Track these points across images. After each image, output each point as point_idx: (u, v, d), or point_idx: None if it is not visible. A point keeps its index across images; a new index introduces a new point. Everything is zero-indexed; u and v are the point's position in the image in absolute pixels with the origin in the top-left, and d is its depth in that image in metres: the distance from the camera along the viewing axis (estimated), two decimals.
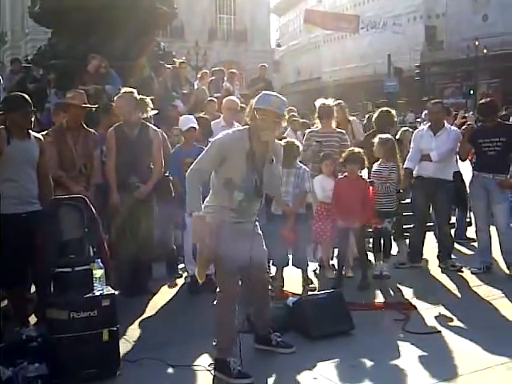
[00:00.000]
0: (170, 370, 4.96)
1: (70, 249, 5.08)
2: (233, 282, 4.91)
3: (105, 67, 11.80)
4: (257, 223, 5.08)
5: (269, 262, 7.31)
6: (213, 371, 4.90)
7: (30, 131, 5.57)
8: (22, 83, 12.71)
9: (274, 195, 5.30)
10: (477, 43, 41.77)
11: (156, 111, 8.54)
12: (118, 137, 6.71)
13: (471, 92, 40.56)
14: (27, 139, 5.51)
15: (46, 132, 6.44)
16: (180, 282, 7.52)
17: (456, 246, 8.81)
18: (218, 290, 5.01)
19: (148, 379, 4.82)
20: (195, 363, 5.08)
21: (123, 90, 6.88)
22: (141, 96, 7.00)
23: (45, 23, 15.31)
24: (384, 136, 7.64)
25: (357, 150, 7.52)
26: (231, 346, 4.92)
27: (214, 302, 5.01)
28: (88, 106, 6.83)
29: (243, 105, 10.62)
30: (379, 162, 7.61)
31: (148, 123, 6.93)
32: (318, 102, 8.01)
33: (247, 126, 4.90)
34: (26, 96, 5.58)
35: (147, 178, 6.82)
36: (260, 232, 5.17)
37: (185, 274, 7.51)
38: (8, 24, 54.93)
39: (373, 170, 7.64)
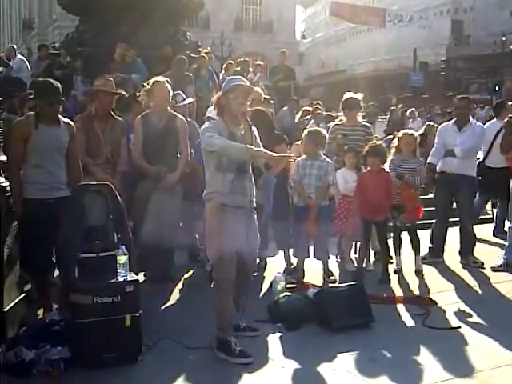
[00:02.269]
0: (191, 357, 5.01)
1: (95, 235, 5.13)
2: (231, 266, 4.97)
3: (131, 56, 11.88)
4: (254, 210, 5.20)
5: (289, 253, 7.42)
6: (214, 349, 5.00)
7: (59, 117, 5.54)
8: (49, 70, 12.83)
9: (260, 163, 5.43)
10: (503, 39, 41.28)
11: (192, 99, 8.57)
12: (145, 125, 6.73)
13: (496, 88, 40.10)
14: (56, 125, 5.48)
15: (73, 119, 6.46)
16: (201, 270, 7.56)
17: (477, 243, 8.72)
18: (214, 274, 5.15)
19: (169, 365, 4.87)
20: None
21: (157, 78, 6.85)
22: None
23: (72, 11, 15.47)
24: (410, 131, 7.64)
25: (378, 143, 7.52)
26: (231, 327, 5.12)
27: (212, 285, 5.17)
28: (118, 92, 6.82)
29: (267, 96, 10.66)
30: (407, 157, 7.57)
31: (176, 113, 6.93)
32: (346, 95, 7.97)
33: (217, 118, 5.18)
34: (58, 84, 5.53)
35: (173, 167, 6.80)
36: (256, 223, 5.26)
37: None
38: (36, 10, 55.28)
39: (407, 165, 7.55)
